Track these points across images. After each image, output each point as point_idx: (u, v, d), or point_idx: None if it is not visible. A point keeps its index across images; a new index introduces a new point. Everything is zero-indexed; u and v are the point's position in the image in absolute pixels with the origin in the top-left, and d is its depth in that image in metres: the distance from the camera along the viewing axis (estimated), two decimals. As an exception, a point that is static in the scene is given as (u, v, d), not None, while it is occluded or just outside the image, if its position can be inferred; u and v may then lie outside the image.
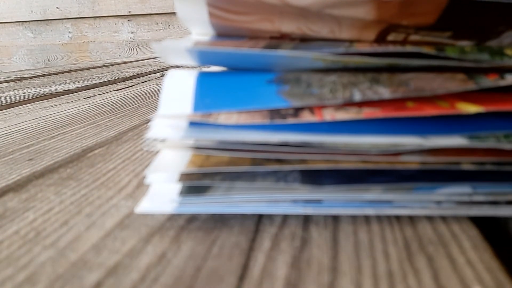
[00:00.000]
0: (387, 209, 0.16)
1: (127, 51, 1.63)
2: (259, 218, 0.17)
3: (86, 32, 1.64)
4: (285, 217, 0.17)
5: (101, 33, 1.63)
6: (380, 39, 0.17)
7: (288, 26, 0.17)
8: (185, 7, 0.17)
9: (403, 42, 0.17)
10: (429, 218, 0.16)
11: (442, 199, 0.16)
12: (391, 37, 0.17)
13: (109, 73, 0.84)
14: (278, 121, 0.15)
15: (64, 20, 1.65)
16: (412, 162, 0.15)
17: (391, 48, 0.15)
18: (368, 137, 0.15)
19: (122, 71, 0.89)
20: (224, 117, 0.15)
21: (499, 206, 0.16)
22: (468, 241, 0.14)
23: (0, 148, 0.29)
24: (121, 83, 0.68)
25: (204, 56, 0.16)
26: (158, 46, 0.15)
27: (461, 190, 0.16)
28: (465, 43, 0.17)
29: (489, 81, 0.14)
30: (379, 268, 0.13)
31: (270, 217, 0.17)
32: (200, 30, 0.18)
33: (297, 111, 0.15)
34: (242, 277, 0.13)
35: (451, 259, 0.13)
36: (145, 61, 1.19)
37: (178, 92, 0.16)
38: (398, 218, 0.16)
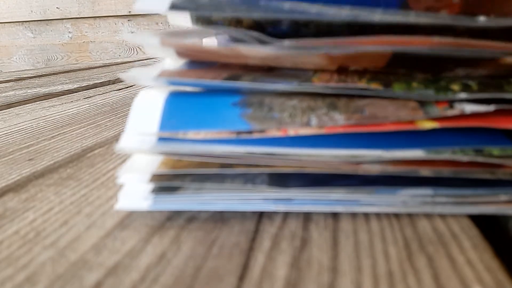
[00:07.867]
0: (355, 207, 0.16)
1: (127, 51, 1.63)
2: (259, 218, 0.17)
3: (86, 32, 1.64)
4: (285, 217, 0.17)
5: (101, 33, 1.63)
6: (342, 69, 0.18)
7: (253, 61, 0.18)
8: (154, 50, 0.18)
9: (363, 72, 0.18)
10: (429, 218, 0.16)
11: (406, 199, 0.16)
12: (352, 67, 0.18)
13: (109, 73, 0.84)
14: (245, 136, 0.16)
15: (64, 20, 1.65)
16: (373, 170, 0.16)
17: (341, 85, 0.16)
18: (329, 149, 0.16)
19: (122, 71, 0.89)
20: (192, 134, 0.16)
21: (464, 205, 0.16)
22: (468, 241, 0.14)
23: (0, 148, 0.29)
24: (121, 83, 0.68)
25: (171, 83, 0.17)
26: (126, 75, 0.16)
27: (423, 192, 0.16)
28: (420, 75, 0.17)
29: (438, 110, 0.15)
30: (379, 268, 0.13)
31: (270, 217, 0.17)
32: (171, 60, 0.19)
33: None
34: (242, 277, 0.13)
35: (451, 259, 0.13)
36: (145, 61, 1.19)
37: (146, 112, 0.17)
38: (398, 218, 0.16)
